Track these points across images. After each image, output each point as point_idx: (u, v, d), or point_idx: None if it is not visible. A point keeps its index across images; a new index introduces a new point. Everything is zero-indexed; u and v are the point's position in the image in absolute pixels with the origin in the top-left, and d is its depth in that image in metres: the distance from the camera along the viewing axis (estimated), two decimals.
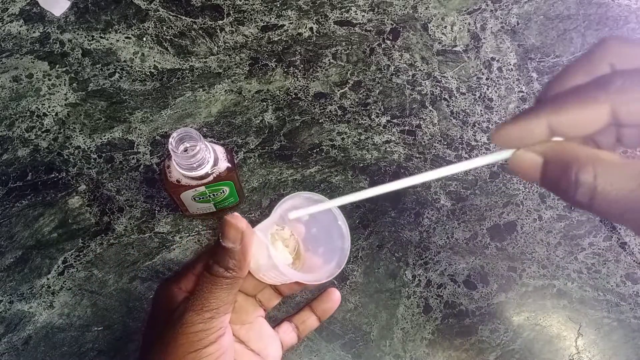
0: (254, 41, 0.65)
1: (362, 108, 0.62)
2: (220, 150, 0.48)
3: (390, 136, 0.61)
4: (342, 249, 0.36)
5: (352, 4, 0.68)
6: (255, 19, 0.67)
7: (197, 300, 0.34)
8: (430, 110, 0.63)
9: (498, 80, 0.64)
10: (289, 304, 0.53)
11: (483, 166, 0.59)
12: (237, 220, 0.34)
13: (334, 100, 0.63)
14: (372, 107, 0.62)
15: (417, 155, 0.60)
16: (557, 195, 0.24)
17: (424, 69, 0.65)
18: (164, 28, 0.65)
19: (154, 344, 0.35)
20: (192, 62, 0.64)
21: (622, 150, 0.26)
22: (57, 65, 0.63)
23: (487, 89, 0.64)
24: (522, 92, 0.64)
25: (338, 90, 0.63)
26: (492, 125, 0.62)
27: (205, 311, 0.34)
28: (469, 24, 0.67)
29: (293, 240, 0.37)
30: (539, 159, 0.24)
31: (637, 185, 0.21)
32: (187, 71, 0.63)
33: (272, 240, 0.35)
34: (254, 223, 0.34)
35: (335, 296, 0.46)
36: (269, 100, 0.62)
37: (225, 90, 0.62)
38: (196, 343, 0.34)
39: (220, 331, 0.35)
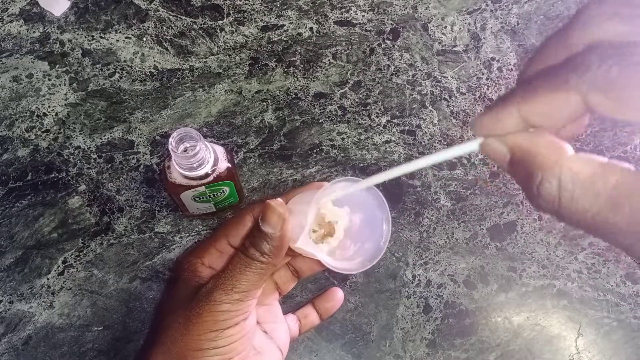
0: (254, 41, 0.65)
1: (362, 108, 0.62)
2: (220, 150, 0.48)
3: (390, 136, 0.61)
4: (379, 247, 0.36)
5: (352, 4, 0.68)
6: (255, 19, 0.66)
7: (228, 280, 0.34)
8: (430, 110, 0.63)
9: (498, 80, 0.64)
10: (289, 303, 0.53)
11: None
12: (280, 206, 0.34)
13: (334, 100, 0.63)
14: (372, 107, 0.62)
15: (417, 155, 0.60)
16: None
17: (424, 69, 0.65)
18: (164, 28, 0.65)
19: (176, 315, 0.34)
20: (192, 62, 0.64)
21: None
22: (57, 65, 0.63)
23: (487, 89, 0.64)
24: None
25: (338, 90, 0.63)
26: None
27: (235, 292, 0.33)
28: (469, 24, 0.67)
29: (335, 224, 0.36)
30: (505, 150, 0.21)
31: (601, 206, 0.18)
32: (187, 71, 0.63)
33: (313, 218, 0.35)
34: None
35: (337, 295, 0.46)
36: (269, 100, 0.62)
37: (225, 90, 0.62)
38: (220, 323, 0.33)
39: (245, 315, 0.35)
